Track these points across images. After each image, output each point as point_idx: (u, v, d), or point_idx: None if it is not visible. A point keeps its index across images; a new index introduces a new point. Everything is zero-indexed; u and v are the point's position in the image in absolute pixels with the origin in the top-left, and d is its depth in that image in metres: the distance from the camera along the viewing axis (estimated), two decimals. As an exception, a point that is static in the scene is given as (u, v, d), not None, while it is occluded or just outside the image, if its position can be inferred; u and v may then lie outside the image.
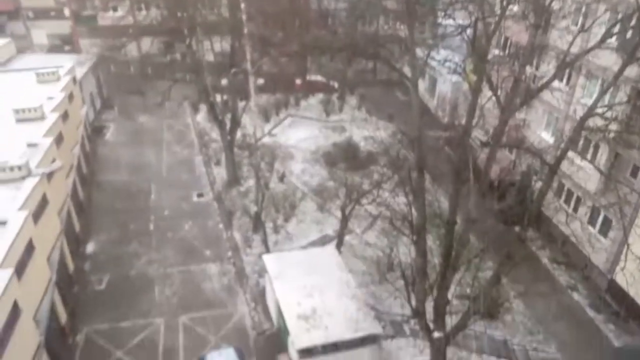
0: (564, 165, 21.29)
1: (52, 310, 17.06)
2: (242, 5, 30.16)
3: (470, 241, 16.93)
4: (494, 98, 17.11)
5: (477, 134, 21.31)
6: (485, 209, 19.42)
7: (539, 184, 22.40)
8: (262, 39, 35.61)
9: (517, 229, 20.26)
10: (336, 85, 41.95)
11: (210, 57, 35.94)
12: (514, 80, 17.00)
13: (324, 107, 39.25)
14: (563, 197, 24.76)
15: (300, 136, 34.74)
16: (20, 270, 14.51)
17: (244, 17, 30.27)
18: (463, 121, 17.70)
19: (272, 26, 36.21)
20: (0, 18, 48.78)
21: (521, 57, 18.77)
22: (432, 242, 17.80)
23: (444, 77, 38.22)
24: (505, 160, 28.18)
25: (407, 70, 18.85)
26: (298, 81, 41.69)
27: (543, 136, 26.29)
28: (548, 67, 24.93)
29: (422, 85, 40.89)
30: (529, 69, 26.29)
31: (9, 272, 13.47)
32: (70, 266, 21.43)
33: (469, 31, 25.12)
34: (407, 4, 16.18)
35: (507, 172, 26.96)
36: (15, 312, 13.52)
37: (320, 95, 40.88)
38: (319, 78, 42.63)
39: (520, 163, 26.20)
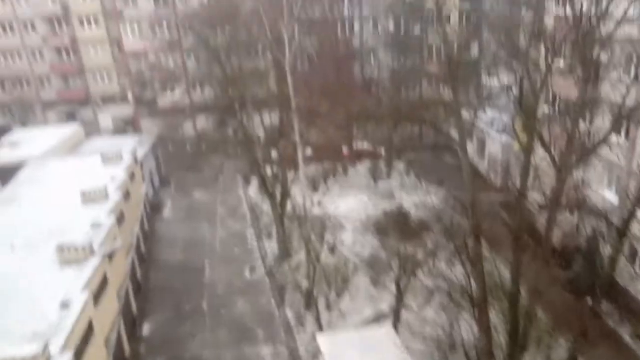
0: (635, 227, 19.75)
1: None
2: (289, 80, 31.68)
3: (538, 316, 15.74)
4: (548, 157, 16.50)
5: (534, 196, 20.38)
6: (550, 278, 18.13)
7: (608, 249, 20.85)
8: (310, 111, 36.90)
9: (589, 300, 18.70)
10: (383, 151, 42.21)
11: (260, 131, 37.56)
12: (567, 138, 16.39)
13: (372, 174, 39.36)
14: (638, 263, 22.74)
15: (349, 205, 34.68)
16: (78, 354, 14.65)
17: (291, 91, 31.64)
18: (517, 183, 17.08)
19: (319, 98, 37.59)
20: (74, 107, 53.77)
21: (573, 113, 18.14)
22: (495, 317, 16.63)
23: (493, 138, 37.58)
24: (568, 223, 26.58)
25: (454, 133, 18.71)
26: (345, 150, 42.35)
27: (606, 196, 24.73)
28: (603, 122, 23.94)
29: (471, 147, 40.33)
30: (582, 125, 25.40)
31: (68, 357, 13.62)
32: (127, 349, 21.47)
33: (515, 90, 24.82)
34: (449, 67, 16.35)
35: (571, 237, 25.32)
36: (74, 399, 13.55)
37: (367, 163, 41.18)
38: (365, 145, 43.14)
39: (584, 226, 24.57)
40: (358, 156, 42.31)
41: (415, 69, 44.75)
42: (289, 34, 34.87)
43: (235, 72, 35.17)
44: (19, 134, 39.05)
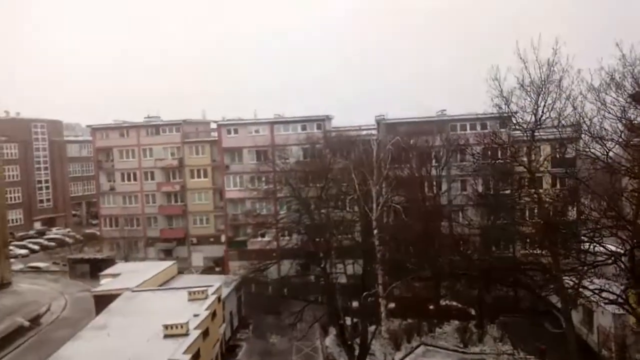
0: None
1: None
2: (375, 231, 31.96)
3: None
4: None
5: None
6: None
7: None
8: (395, 263, 36.19)
9: None
10: (473, 312, 39.01)
11: (342, 280, 37.04)
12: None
13: (461, 336, 35.90)
14: None
15: (435, 369, 31.36)
16: None
17: (376, 242, 31.66)
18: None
19: (405, 251, 37.09)
20: (172, 244, 58.01)
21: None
22: None
23: (602, 309, 33.40)
24: None
25: (554, 299, 16.88)
26: (431, 306, 39.82)
27: None
28: None
29: (576, 317, 35.95)
30: None
31: None
32: None
33: (624, 260, 22.52)
34: (545, 230, 15.47)
35: None
36: None
37: (455, 322, 37.99)
38: (453, 303, 40.33)
39: None
40: (445, 315, 39.34)
41: (507, 229, 43.21)
42: (377, 190, 36.43)
43: (322, 221, 36.59)
44: (120, 267, 42.29)
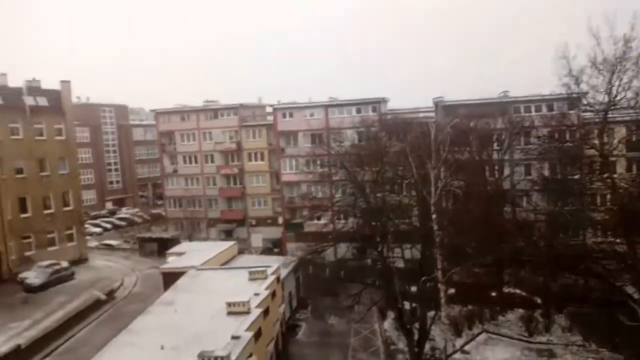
0: None
1: None
2: (434, 216, 31.22)
3: None
4: None
5: None
6: None
7: None
8: (454, 249, 35.33)
9: None
10: (538, 300, 37.48)
11: (400, 264, 36.69)
12: None
13: (526, 325, 34.65)
14: None
15: (498, 358, 30.52)
16: None
17: (435, 226, 30.98)
18: None
19: (465, 236, 36.09)
20: (232, 225, 59.92)
21: None
22: None
23: (684, 300, 31.08)
24: None
25: (630, 290, 15.83)
26: (493, 293, 38.68)
27: None
28: None
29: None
30: None
31: None
32: None
33: None
34: (620, 215, 14.47)
35: None
36: None
37: (520, 311, 36.71)
38: (517, 291, 38.94)
39: None
40: (508, 302, 38.11)
41: (576, 215, 40.88)
42: (435, 173, 35.48)
43: (378, 205, 36.21)
44: (185, 246, 44.26)
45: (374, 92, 59.40)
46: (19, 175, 42.98)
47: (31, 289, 38.24)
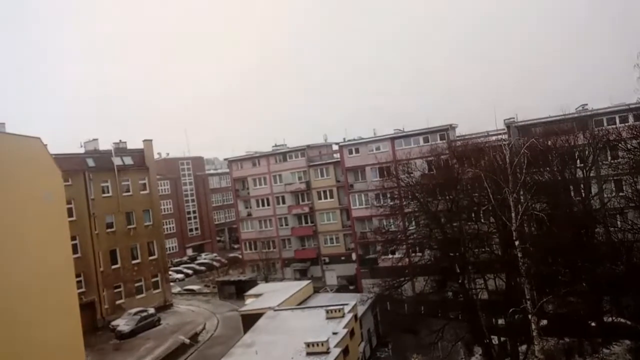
0: None
1: None
2: (517, 242, 29.29)
3: None
4: None
5: None
6: None
7: None
8: (543, 276, 32.77)
9: None
10: (648, 331, 33.42)
11: (484, 295, 34.53)
12: None
13: (636, 358, 30.92)
14: None
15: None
16: None
17: (519, 253, 29.04)
18: None
19: (553, 262, 33.44)
20: (306, 264, 60.14)
21: None
22: None
23: None
24: None
25: None
26: (592, 323, 35.05)
27: None
28: None
29: None
30: None
31: None
32: None
33: None
34: None
35: None
36: None
37: (626, 342, 32.87)
38: (620, 320, 35.00)
39: None
40: (612, 333, 34.27)
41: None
42: (514, 197, 33.55)
43: (455, 235, 34.71)
44: (261, 287, 44.94)
45: (440, 120, 58.61)
46: (109, 230, 46.61)
47: (122, 336, 40.52)
